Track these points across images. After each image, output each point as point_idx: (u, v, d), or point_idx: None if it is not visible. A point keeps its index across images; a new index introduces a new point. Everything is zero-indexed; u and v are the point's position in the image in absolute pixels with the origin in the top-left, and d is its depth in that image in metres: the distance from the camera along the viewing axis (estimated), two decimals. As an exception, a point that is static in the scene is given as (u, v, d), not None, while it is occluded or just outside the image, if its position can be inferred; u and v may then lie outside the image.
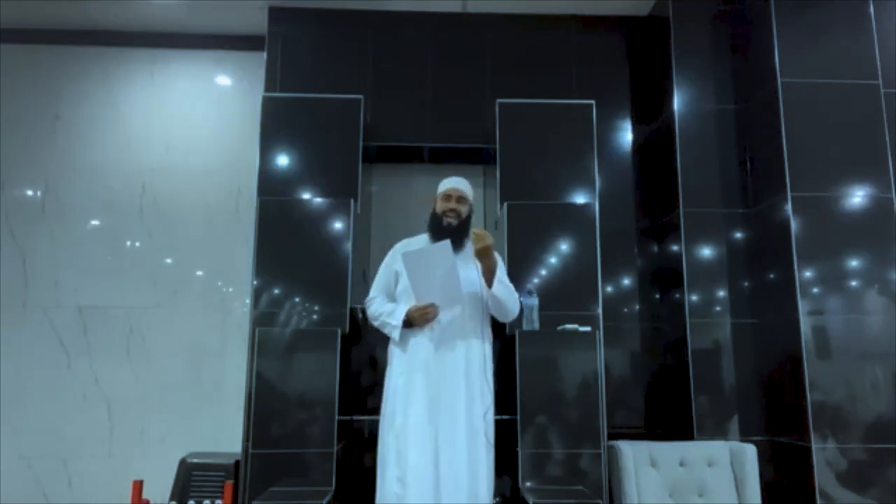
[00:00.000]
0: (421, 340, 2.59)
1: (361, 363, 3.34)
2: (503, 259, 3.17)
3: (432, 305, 2.53)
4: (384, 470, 2.54)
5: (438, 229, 2.67)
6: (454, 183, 2.76)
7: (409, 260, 2.49)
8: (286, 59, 3.69)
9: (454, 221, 2.66)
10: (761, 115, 3.21)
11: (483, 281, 2.59)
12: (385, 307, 2.68)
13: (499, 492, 3.16)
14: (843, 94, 3.06)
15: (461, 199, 2.72)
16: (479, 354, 2.59)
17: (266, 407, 2.90)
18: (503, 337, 3.23)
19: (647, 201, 3.67)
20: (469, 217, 2.75)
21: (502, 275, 2.61)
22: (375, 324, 2.73)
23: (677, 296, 3.33)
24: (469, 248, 2.63)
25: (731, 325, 3.23)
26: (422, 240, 2.79)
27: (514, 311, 2.68)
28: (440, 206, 2.73)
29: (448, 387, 2.50)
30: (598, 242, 3.19)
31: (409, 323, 2.58)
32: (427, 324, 2.57)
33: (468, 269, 2.58)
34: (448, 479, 2.40)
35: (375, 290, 2.80)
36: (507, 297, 2.60)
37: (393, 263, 2.77)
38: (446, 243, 2.45)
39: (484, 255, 2.53)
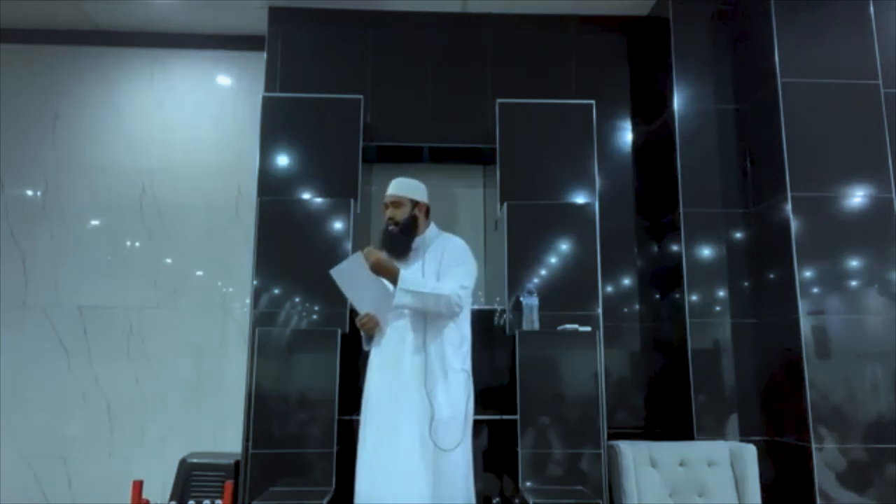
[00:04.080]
0: (373, 350, 2.60)
1: (361, 363, 3.33)
2: (504, 259, 3.18)
3: (367, 315, 2.51)
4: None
5: (383, 241, 2.60)
6: (390, 188, 2.66)
7: (338, 275, 2.47)
8: (286, 59, 3.69)
9: (394, 229, 2.58)
10: (761, 115, 3.21)
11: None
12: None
13: (499, 492, 3.17)
14: (843, 94, 3.05)
15: (395, 203, 2.62)
16: (419, 361, 2.48)
17: (266, 407, 2.90)
18: (503, 336, 3.23)
19: (646, 201, 3.67)
20: (413, 217, 2.61)
21: (406, 284, 2.43)
22: None
23: (677, 296, 3.33)
24: (417, 252, 2.58)
25: (731, 325, 3.23)
26: None
27: (441, 312, 2.47)
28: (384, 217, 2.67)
29: (391, 394, 2.47)
30: (598, 242, 3.19)
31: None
32: (369, 332, 2.55)
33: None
34: (393, 487, 2.35)
35: None
36: (418, 304, 2.43)
37: None
38: (357, 255, 2.43)
39: (379, 271, 2.44)
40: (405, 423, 2.41)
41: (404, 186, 2.65)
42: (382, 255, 2.46)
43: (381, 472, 2.39)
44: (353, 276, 2.47)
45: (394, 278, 2.43)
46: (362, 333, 2.62)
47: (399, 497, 2.31)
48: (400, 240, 2.56)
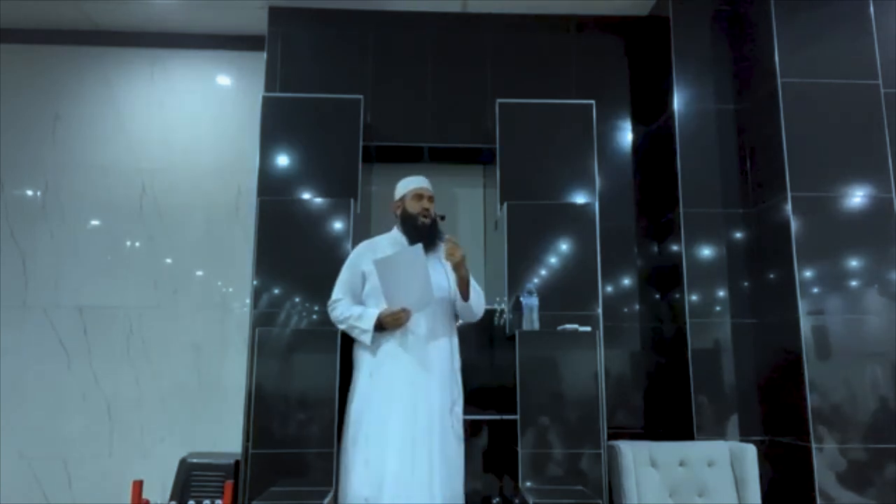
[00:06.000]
0: (392, 344, 2.57)
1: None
2: (504, 259, 3.18)
3: (404, 310, 2.50)
4: (349, 473, 2.53)
5: (415, 230, 2.64)
6: (424, 182, 2.75)
7: (382, 266, 2.45)
8: (286, 59, 3.69)
9: (427, 221, 2.64)
10: (761, 115, 3.21)
11: (452, 284, 2.63)
12: (353, 311, 2.62)
13: (499, 492, 3.17)
14: (843, 94, 3.05)
15: (431, 198, 2.72)
16: (447, 352, 2.61)
17: (266, 407, 2.90)
18: (503, 337, 3.23)
19: (646, 201, 3.67)
20: (437, 217, 2.72)
21: (475, 283, 2.69)
22: (342, 327, 2.68)
23: (677, 296, 3.33)
24: (439, 250, 2.62)
25: (731, 325, 3.23)
26: (386, 239, 2.77)
27: (479, 314, 2.75)
28: (413, 207, 2.68)
29: (422, 388, 2.50)
30: (598, 242, 3.19)
31: (380, 326, 2.54)
32: (399, 328, 2.55)
33: (437, 272, 2.56)
34: (423, 476, 2.40)
35: (340, 292, 2.70)
36: (475, 303, 2.67)
37: (360, 264, 2.70)
38: (418, 247, 2.43)
39: (459, 268, 2.54)
40: (424, 411, 2.48)
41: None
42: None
43: (409, 456, 2.42)
44: (402, 269, 2.45)
45: (467, 276, 2.60)
46: (367, 328, 2.55)
47: (427, 486, 2.39)
48: (432, 233, 2.62)
